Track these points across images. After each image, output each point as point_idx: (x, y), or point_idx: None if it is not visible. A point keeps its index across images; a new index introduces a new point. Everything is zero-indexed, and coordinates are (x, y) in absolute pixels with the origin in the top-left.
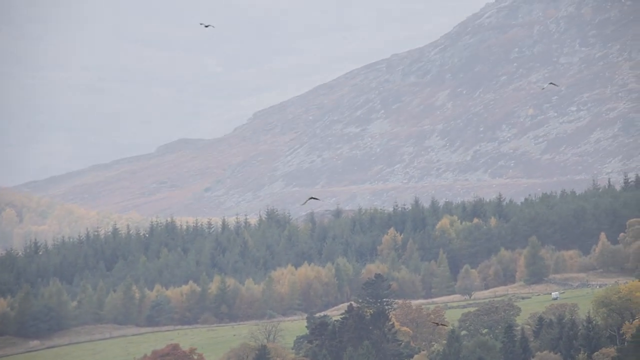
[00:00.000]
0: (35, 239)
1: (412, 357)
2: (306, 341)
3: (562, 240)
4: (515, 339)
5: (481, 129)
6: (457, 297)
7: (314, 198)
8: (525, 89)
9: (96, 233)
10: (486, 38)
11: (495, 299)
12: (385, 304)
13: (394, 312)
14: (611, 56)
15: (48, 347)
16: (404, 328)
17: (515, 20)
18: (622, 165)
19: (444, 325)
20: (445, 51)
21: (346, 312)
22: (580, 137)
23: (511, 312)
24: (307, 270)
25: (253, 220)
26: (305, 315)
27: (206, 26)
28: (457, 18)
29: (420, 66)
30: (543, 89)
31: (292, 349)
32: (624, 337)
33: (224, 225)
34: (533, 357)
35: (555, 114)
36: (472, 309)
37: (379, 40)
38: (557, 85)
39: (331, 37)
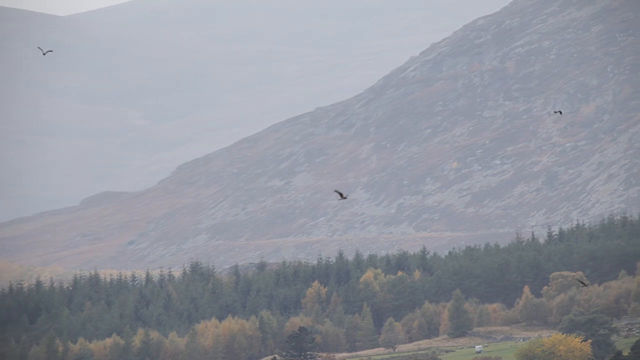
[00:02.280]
0: None
1: None
2: None
3: (486, 293)
4: None
5: (405, 182)
6: (381, 350)
7: (339, 193)
8: (449, 142)
9: (19, 286)
10: (410, 91)
11: (419, 352)
12: (309, 357)
13: None
14: (535, 110)
15: None
16: None
17: (439, 74)
18: (545, 218)
19: None
20: (369, 104)
21: None
22: (504, 190)
23: None
24: (231, 324)
25: (177, 273)
26: None
27: (44, 53)
28: (382, 71)
29: (344, 119)
30: (554, 113)
31: None
32: None
33: (148, 278)
34: None
35: (479, 168)
36: None
37: (303, 94)
38: (561, 113)
39: (255, 90)
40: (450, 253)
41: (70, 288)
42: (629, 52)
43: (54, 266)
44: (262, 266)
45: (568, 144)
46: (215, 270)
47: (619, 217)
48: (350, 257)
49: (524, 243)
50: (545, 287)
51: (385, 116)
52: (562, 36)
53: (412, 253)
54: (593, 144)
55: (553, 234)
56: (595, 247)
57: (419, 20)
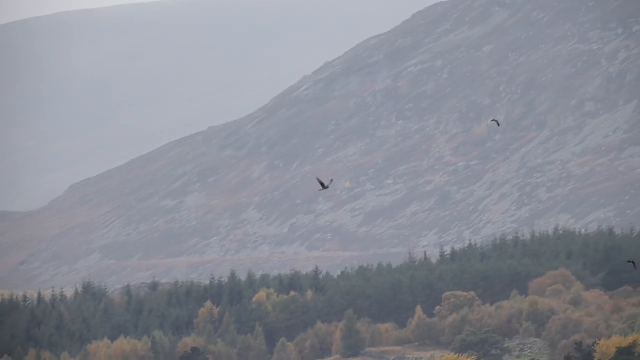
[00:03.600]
0: None
1: None
2: None
3: (378, 313)
4: None
5: (298, 202)
6: None
7: (320, 182)
8: (342, 161)
9: None
10: (303, 111)
11: None
12: None
13: None
14: (428, 129)
15: None
16: None
17: (332, 93)
18: (438, 238)
19: None
20: (262, 124)
21: None
22: (396, 210)
23: None
24: (123, 344)
25: (69, 293)
26: None
27: None
28: (274, 91)
29: (237, 139)
30: (488, 125)
31: None
32: None
33: (40, 299)
34: None
35: (372, 187)
36: None
37: (196, 113)
38: (499, 125)
39: (147, 110)
40: (342, 273)
41: None
42: (521, 72)
43: None
44: (154, 286)
45: (460, 164)
46: (107, 290)
47: (511, 237)
48: (242, 276)
49: (417, 263)
50: (438, 307)
51: (277, 136)
52: (454, 55)
53: (304, 273)
54: (485, 164)
55: (445, 253)
56: (487, 267)
57: (311, 39)
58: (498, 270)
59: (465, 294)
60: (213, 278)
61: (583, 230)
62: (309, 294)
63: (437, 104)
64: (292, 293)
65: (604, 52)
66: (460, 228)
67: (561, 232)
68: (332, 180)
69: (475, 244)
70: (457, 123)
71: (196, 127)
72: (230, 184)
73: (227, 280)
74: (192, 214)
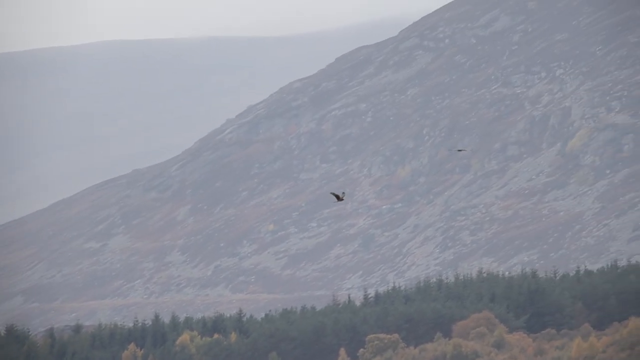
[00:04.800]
0: None
1: None
2: None
3: (302, 356)
4: None
5: (222, 244)
6: None
7: (335, 195)
8: (266, 204)
9: None
10: (227, 154)
11: None
12: None
13: None
14: (351, 172)
15: None
16: None
17: (256, 136)
18: (361, 281)
19: None
20: (186, 166)
21: None
22: (320, 252)
23: None
24: None
25: None
26: None
27: None
28: (198, 133)
29: (161, 181)
30: (451, 151)
31: None
32: None
33: None
34: None
35: (296, 230)
36: None
37: (120, 155)
38: (466, 150)
39: (71, 152)
40: (266, 315)
41: None
42: (444, 115)
43: None
44: (77, 329)
45: (384, 207)
46: (30, 333)
47: (434, 280)
48: (166, 319)
49: (340, 305)
50: (362, 349)
51: (202, 178)
52: (378, 99)
53: (228, 315)
54: (409, 207)
55: (369, 296)
56: (411, 310)
57: (235, 82)
58: (422, 312)
59: (389, 336)
60: (136, 320)
61: (506, 273)
62: (233, 336)
63: (360, 147)
64: (216, 336)
65: (527, 95)
66: (384, 271)
67: (485, 275)
68: (343, 192)
69: (399, 287)
70: (381, 166)
71: (120, 169)
72: (154, 226)
73: (150, 323)
74: (115, 256)
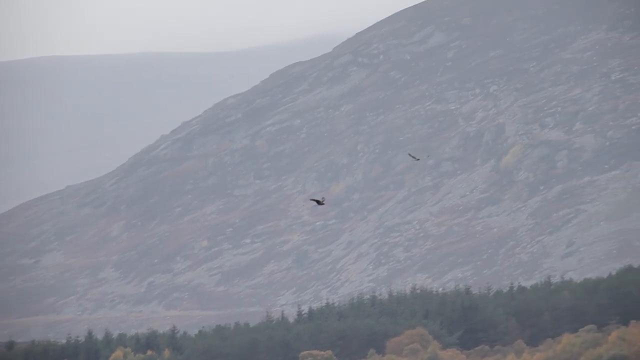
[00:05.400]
0: None
1: None
2: None
3: None
4: None
5: (156, 260)
6: None
7: (315, 200)
8: (199, 220)
9: None
10: (161, 170)
11: None
12: None
13: None
14: (285, 188)
15: None
16: None
17: (190, 153)
18: (295, 297)
19: None
20: (120, 182)
21: None
22: (254, 269)
23: None
24: None
25: None
26: None
27: None
28: (133, 149)
29: (95, 197)
30: (411, 155)
31: None
32: None
33: None
34: None
35: (230, 246)
36: None
37: (54, 171)
38: (418, 159)
39: (4, 168)
40: (200, 332)
41: None
42: (378, 131)
43: None
44: (10, 345)
45: (318, 223)
46: None
47: (368, 296)
48: (99, 335)
49: (274, 322)
50: None
51: (136, 194)
52: (312, 115)
53: (161, 332)
54: (343, 223)
55: (303, 312)
56: (344, 326)
57: (169, 99)
58: (355, 329)
59: (322, 353)
60: (70, 337)
61: (440, 289)
62: (166, 353)
63: (295, 163)
64: (149, 352)
65: (461, 112)
66: (318, 287)
67: (418, 291)
68: (323, 197)
69: (333, 303)
70: (315, 182)
71: (54, 185)
72: (88, 242)
73: (83, 340)
74: (49, 272)
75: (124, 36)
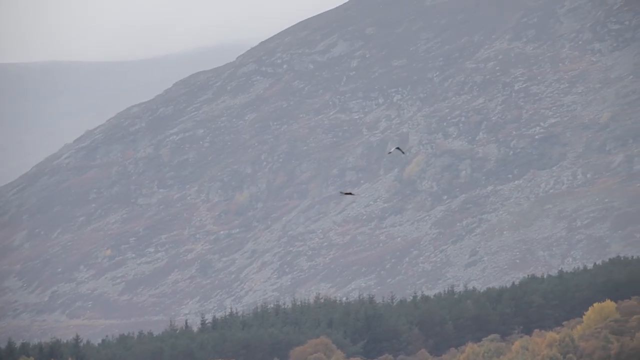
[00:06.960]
0: None
1: None
2: None
3: None
4: None
5: (59, 269)
6: None
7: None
8: (103, 229)
9: None
10: (64, 179)
11: None
12: None
13: None
14: (189, 198)
15: None
16: None
17: (93, 161)
18: (199, 306)
19: None
20: (23, 192)
21: None
22: (158, 278)
23: None
24: None
25: None
26: None
27: None
28: (35, 158)
29: None
30: (389, 153)
31: None
32: None
33: None
34: None
35: (134, 255)
36: None
37: None
38: (403, 153)
39: None
40: (103, 341)
41: None
42: (282, 141)
43: None
44: None
45: (222, 232)
46: None
47: (272, 305)
48: (2, 345)
49: (178, 331)
50: None
51: (39, 203)
52: (215, 124)
53: (65, 341)
54: (247, 232)
55: (206, 321)
56: (248, 335)
57: (72, 107)
58: (259, 338)
59: None
60: None
61: (344, 298)
62: None
63: (198, 172)
64: None
65: (364, 121)
66: (222, 296)
67: (322, 300)
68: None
69: (237, 312)
70: (219, 191)
71: None
72: None
73: None
74: None
75: (26, 44)
